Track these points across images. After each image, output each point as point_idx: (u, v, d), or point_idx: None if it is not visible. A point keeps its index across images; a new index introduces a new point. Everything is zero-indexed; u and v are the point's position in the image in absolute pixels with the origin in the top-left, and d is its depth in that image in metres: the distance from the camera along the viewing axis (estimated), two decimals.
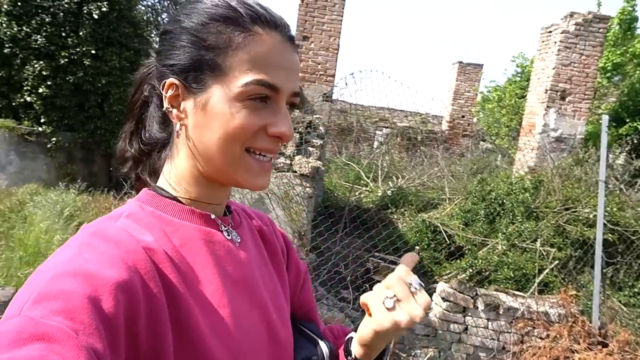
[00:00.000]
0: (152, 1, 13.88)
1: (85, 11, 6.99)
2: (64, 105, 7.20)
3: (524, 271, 4.86)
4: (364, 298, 0.63)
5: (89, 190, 6.45)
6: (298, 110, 3.73)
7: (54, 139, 7.21)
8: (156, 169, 0.68)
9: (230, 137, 0.59)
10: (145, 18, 11.84)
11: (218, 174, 0.63)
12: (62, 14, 6.91)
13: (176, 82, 0.60)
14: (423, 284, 0.64)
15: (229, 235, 0.66)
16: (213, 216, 0.65)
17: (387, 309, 0.60)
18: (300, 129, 3.62)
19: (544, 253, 5.08)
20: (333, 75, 7.90)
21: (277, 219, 3.45)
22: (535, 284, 4.59)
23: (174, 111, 0.61)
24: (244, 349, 0.60)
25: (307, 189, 3.50)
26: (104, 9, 7.02)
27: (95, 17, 6.97)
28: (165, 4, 13.98)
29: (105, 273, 0.48)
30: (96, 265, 0.48)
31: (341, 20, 7.80)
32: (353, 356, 0.70)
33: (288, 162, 3.48)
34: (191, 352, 0.54)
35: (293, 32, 0.66)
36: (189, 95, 0.60)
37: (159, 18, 13.71)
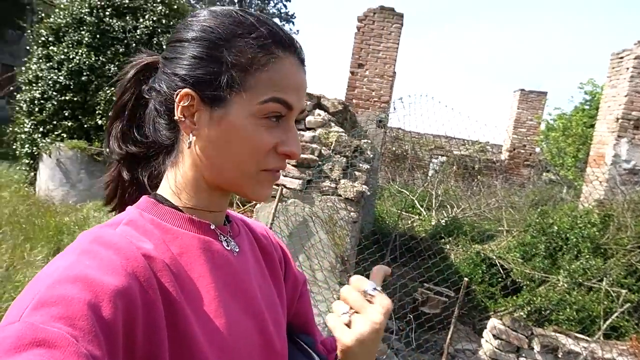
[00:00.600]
0: None
1: (155, 42, 7.51)
2: None
3: (589, 312, 4.47)
4: (326, 319, 0.63)
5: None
6: (345, 134, 3.73)
7: None
8: (157, 173, 0.69)
9: (246, 156, 0.61)
10: None
11: (226, 184, 0.64)
12: (134, 44, 7.47)
13: (192, 93, 0.60)
14: (379, 288, 0.63)
15: (227, 245, 0.66)
16: (213, 226, 0.65)
17: (345, 324, 0.60)
18: (347, 153, 3.61)
19: (613, 294, 4.65)
20: (387, 102, 7.88)
21: (321, 243, 3.42)
22: (602, 327, 4.19)
23: (187, 121, 0.62)
24: (239, 358, 0.60)
25: (351, 214, 3.45)
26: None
27: (164, 47, 7.46)
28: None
29: (105, 279, 0.48)
30: (96, 272, 0.49)
31: (397, 48, 7.82)
32: None
33: (333, 185, 3.47)
34: (188, 359, 0.54)
35: (305, 55, 0.68)
36: (205, 108, 0.60)
37: None
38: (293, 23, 15.68)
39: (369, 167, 3.68)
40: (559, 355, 3.52)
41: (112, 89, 7.25)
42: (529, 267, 5.40)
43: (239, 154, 0.60)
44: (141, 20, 7.56)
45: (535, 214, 6.37)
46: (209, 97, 0.60)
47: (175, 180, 0.65)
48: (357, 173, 3.59)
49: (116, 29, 7.38)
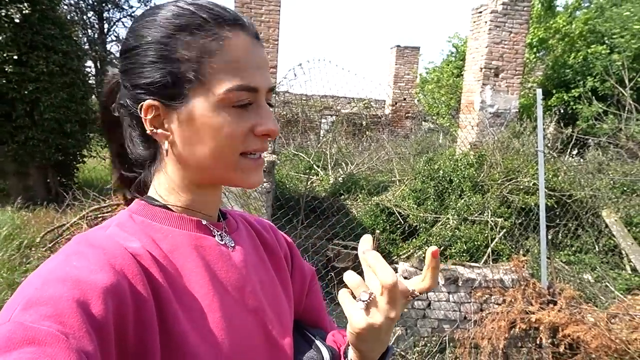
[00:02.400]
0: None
1: (3, 14, 6.45)
2: None
3: (476, 243, 5.13)
4: (341, 297, 0.59)
5: (26, 206, 6.03)
6: None
7: None
8: (145, 182, 0.68)
9: (223, 147, 0.60)
10: (69, 17, 11.12)
11: (212, 179, 0.64)
12: None
13: (154, 103, 0.59)
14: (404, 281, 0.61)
15: (221, 239, 0.66)
16: (204, 222, 0.65)
17: (362, 309, 0.56)
18: None
19: (493, 224, 5.37)
20: (275, 67, 7.82)
21: None
22: (488, 254, 4.86)
23: (159, 131, 0.61)
24: (236, 353, 0.60)
25: (264, 184, 3.48)
26: (25, 11, 6.52)
27: (17, 20, 6.45)
28: (91, 1, 13.20)
29: (94, 277, 0.48)
30: (84, 271, 0.49)
31: (279, 11, 7.73)
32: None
33: None
34: (179, 357, 0.54)
35: None
36: (170, 112, 0.60)
37: (84, 17, 12.93)
38: None
39: None
40: (460, 284, 4.04)
41: None
42: (422, 211, 5.97)
43: (216, 147, 0.59)
44: None
45: (422, 162, 6.98)
46: (171, 100, 0.59)
47: (162, 184, 0.65)
48: None
49: None
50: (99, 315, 0.46)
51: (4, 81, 6.56)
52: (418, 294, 0.63)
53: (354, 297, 0.58)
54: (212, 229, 0.66)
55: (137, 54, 0.60)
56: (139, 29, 0.61)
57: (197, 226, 0.64)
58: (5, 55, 6.48)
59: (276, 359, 0.66)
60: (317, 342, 0.75)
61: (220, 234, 0.67)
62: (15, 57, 6.55)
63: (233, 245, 0.68)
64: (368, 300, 0.55)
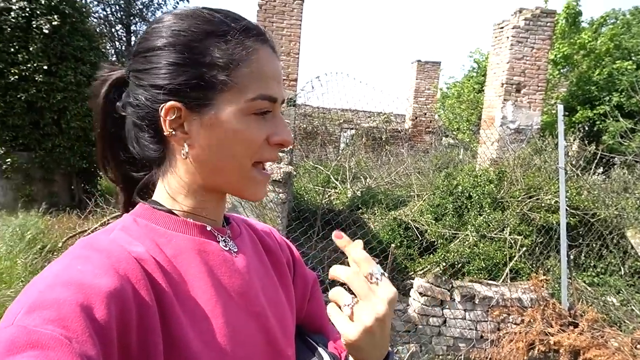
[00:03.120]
0: (105, 12, 13.50)
1: (34, 25, 6.71)
2: (16, 124, 6.88)
3: (495, 260, 5.03)
4: (328, 310, 0.58)
5: (50, 212, 6.19)
6: None
7: (9, 159, 6.87)
8: (147, 185, 0.68)
9: (243, 152, 0.61)
10: (98, 30, 11.48)
11: (223, 185, 0.65)
12: (9, 29, 6.61)
13: (177, 104, 0.59)
14: (385, 273, 0.57)
15: (225, 245, 0.66)
16: (209, 227, 0.65)
17: (348, 316, 0.55)
18: None
19: (512, 241, 5.26)
20: (295, 80, 7.91)
21: None
22: (507, 272, 4.75)
23: (177, 133, 0.61)
24: (239, 359, 0.59)
25: (280, 195, 3.49)
26: (55, 23, 6.77)
27: (46, 31, 6.70)
28: (119, 15, 13.63)
29: (97, 282, 0.48)
30: (88, 275, 0.49)
31: (300, 25, 7.83)
32: None
33: None
34: None
35: None
36: (193, 115, 0.60)
37: (112, 30, 13.34)
38: (187, 0, 14.89)
39: (291, 147, 3.72)
40: (476, 302, 3.95)
41: None
42: (441, 226, 5.89)
43: (236, 152, 0.61)
44: (14, 0, 6.69)
45: (442, 177, 6.90)
46: (196, 103, 0.59)
47: (170, 187, 0.65)
48: (280, 154, 3.62)
49: None
50: (102, 319, 0.46)
51: (34, 90, 6.79)
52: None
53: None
54: (216, 234, 0.66)
55: (159, 55, 0.60)
56: (162, 30, 0.60)
57: (201, 231, 0.64)
58: (35, 65, 6.72)
59: None
60: (320, 349, 0.74)
61: (224, 239, 0.66)
62: (45, 67, 6.79)
63: (236, 250, 0.67)
64: (352, 303, 0.55)
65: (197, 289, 0.59)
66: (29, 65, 6.71)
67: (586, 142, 7.90)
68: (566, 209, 4.24)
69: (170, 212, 0.64)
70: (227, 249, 0.66)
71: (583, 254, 5.62)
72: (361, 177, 9.45)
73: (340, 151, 11.63)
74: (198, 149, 0.61)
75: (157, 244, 0.60)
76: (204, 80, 0.59)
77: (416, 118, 13.65)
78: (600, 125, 9.48)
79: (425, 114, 13.65)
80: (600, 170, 7.81)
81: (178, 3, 14.88)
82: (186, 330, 0.55)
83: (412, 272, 5.49)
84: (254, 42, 0.61)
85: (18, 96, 6.73)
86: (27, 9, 6.68)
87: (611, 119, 8.95)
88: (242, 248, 0.69)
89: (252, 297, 0.65)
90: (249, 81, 0.60)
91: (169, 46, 0.59)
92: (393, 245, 3.51)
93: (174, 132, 0.60)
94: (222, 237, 0.66)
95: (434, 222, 6.03)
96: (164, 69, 0.59)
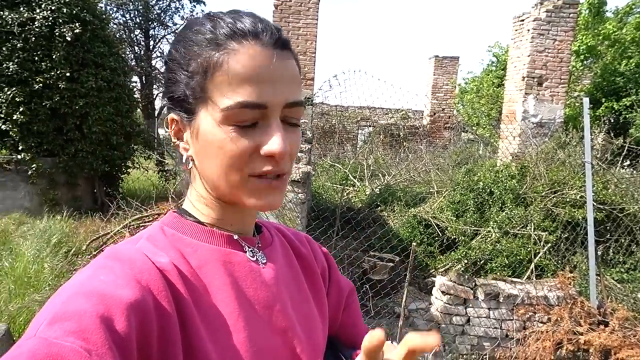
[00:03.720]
0: (124, 18, 13.72)
1: (57, 34, 6.87)
2: (41, 131, 7.06)
3: (519, 257, 4.92)
4: None
5: (73, 215, 6.32)
6: None
7: (34, 165, 7.06)
8: (180, 191, 0.70)
9: (227, 165, 0.57)
10: (118, 36, 11.69)
11: (227, 197, 0.62)
12: (33, 38, 6.78)
13: (175, 116, 0.61)
14: None
15: (253, 256, 0.64)
16: (236, 237, 0.64)
17: None
18: None
19: (536, 237, 5.14)
20: (312, 79, 7.90)
21: None
22: (532, 269, 4.64)
23: (181, 144, 0.63)
24: None
25: (299, 195, 3.49)
26: (77, 31, 6.91)
27: (69, 39, 6.85)
28: (138, 20, 13.84)
29: (119, 293, 0.48)
30: (110, 286, 0.49)
31: (316, 24, 7.82)
32: None
33: None
34: None
35: None
36: (187, 126, 0.61)
37: (131, 35, 13.56)
38: (204, 4, 15.02)
39: (309, 146, 3.71)
40: (501, 300, 3.86)
41: (14, 89, 6.58)
42: (462, 223, 5.79)
43: (219, 165, 0.57)
44: (37, 10, 6.86)
45: (462, 173, 6.80)
46: (185, 114, 0.60)
47: (190, 196, 0.66)
48: (299, 154, 3.61)
49: (9, 22, 6.63)
50: (122, 331, 0.46)
51: (58, 97, 6.95)
52: None
53: None
54: (243, 244, 0.64)
55: (168, 68, 0.62)
56: (171, 44, 0.64)
57: (228, 241, 0.63)
58: (58, 72, 6.88)
59: None
60: None
61: (252, 250, 0.65)
62: (68, 74, 6.94)
63: (265, 261, 0.65)
64: None
65: (220, 301, 0.58)
66: (52, 73, 6.88)
67: (612, 134, 7.68)
68: (593, 204, 4.12)
69: (198, 221, 0.64)
70: (255, 259, 0.64)
71: (611, 250, 5.46)
72: (379, 174, 9.38)
73: (357, 149, 11.58)
74: (195, 158, 0.62)
75: (183, 254, 0.59)
76: (187, 89, 0.58)
77: (434, 114, 13.49)
78: (627, 117, 9.20)
79: (444, 110, 13.47)
80: (627, 163, 7.58)
81: (195, 7, 15.05)
82: (205, 343, 0.54)
83: (434, 270, 5.42)
84: (235, 43, 0.55)
85: (42, 103, 6.90)
86: (50, 18, 6.84)
87: (639, 110, 8.68)
88: (272, 258, 0.67)
89: (278, 310, 0.63)
90: (226, 87, 0.55)
91: (170, 60, 0.62)
92: (414, 243, 3.46)
93: (177, 142, 0.63)
94: (249, 247, 0.65)
95: (454, 218, 5.94)
96: (167, 82, 0.62)
